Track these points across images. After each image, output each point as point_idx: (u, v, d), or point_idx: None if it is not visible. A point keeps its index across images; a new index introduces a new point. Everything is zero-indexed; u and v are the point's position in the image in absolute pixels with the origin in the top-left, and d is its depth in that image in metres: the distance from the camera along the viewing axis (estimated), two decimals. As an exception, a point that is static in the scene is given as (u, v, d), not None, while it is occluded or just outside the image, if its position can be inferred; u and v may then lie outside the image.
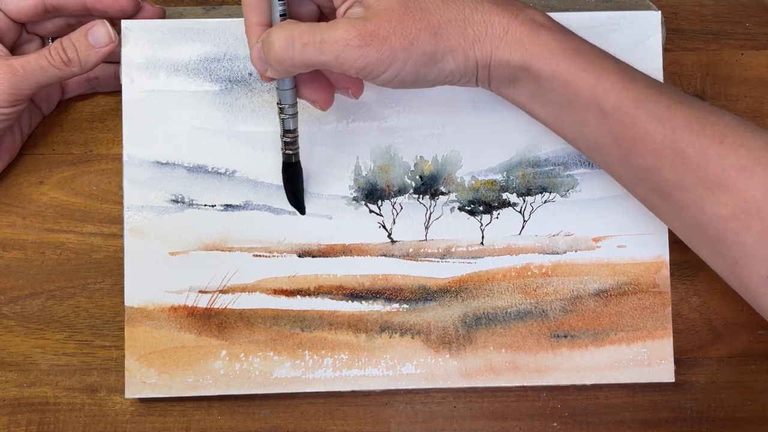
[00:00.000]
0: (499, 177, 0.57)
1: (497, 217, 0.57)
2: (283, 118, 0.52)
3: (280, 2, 0.48)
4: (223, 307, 0.56)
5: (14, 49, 0.57)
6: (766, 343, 0.60)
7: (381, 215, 0.57)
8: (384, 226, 0.57)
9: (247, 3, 0.48)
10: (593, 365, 0.56)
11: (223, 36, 0.56)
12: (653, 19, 0.57)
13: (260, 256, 0.56)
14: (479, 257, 0.57)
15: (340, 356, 0.56)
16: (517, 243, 0.57)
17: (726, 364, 0.59)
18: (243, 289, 0.56)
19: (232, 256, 0.56)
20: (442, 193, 0.57)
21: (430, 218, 0.57)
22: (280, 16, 0.48)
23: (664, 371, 0.56)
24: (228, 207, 0.56)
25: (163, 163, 0.56)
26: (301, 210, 0.56)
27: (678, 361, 0.57)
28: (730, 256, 0.46)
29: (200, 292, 0.56)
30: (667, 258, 0.57)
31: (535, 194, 0.57)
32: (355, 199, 0.57)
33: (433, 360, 0.56)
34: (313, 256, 0.57)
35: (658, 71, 0.56)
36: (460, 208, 0.57)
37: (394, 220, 0.57)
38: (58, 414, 0.58)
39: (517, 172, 0.57)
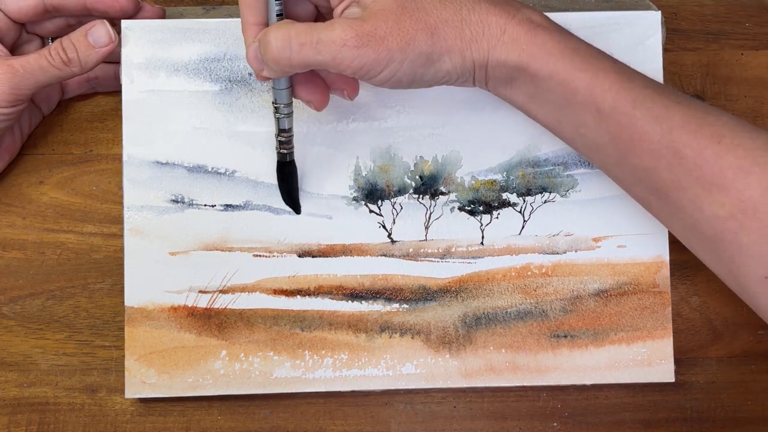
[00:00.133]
0: (499, 177, 0.57)
1: (497, 217, 0.57)
2: (278, 118, 0.53)
3: (277, 2, 0.48)
4: (223, 307, 0.56)
5: (14, 49, 0.57)
6: (766, 343, 0.59)
7: (381, 215, 0.57)
8: (384, 226, 0.57)
9: (243, 2, 0.48)
10: (593, 365, 0.56)
11: (223, 36, 0.56)
12: (653, 19, 0.57)
13: (260, 256, 0.56)
14: (479, 257, 0.57)
15: (340, 356, 0.56)
16: (517, 243, 0.57)
17: (726, 364, 0.59)
18: (243, 289, 0.56)
19: (232, 256, 0.56)
20: (442, 193, 0.57)
21: (430, 218, 0.57)
22: (277, 15, 0.48)
23: (664, 371, 0.56)
24: (228, 207, 0.56)
25: (163, 163, 0.56)
26: (296, 209, 0.56)
27: (678, 361, 0.57)
28: (727, 256, 0.46)
29: (200, 292, 0.56)
30: (667, 258, 0.57)
31: (535, 194, 0.57)
32: (355, 199, 0.57)
33: (433, 360, 0.56)
34: (313, 256, 0.57)
35: (658, 71, 0.56)
36: (460, 208, 0.57)
37: (394, 220, 0.57)
38: (58, 414, 0.58)
39: (517, 172, 0.57)
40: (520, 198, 0.57)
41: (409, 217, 0.57)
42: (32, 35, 0.58)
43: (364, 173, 0.57)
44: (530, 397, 0.59)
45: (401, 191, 0.57)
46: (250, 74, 0.56)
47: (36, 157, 0.60)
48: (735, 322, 0.59)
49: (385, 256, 0.57)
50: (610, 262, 0.57)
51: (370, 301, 0.57)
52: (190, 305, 0.56)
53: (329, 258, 0.57)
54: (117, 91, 0.58)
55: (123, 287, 0.56)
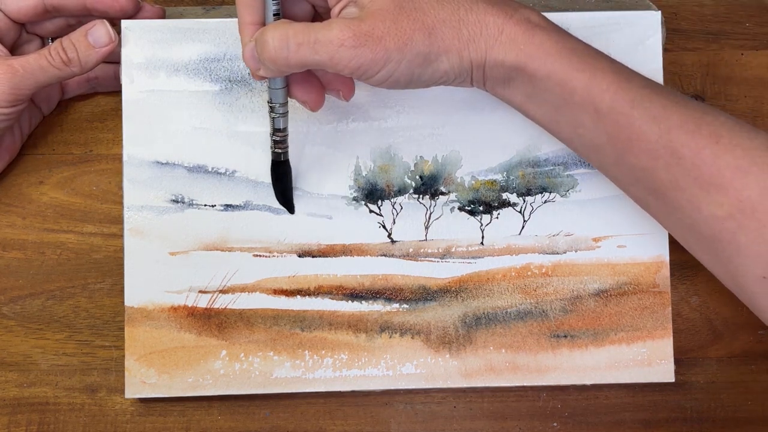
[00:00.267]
0: (499, 177, 0.57)
1: (497, 217, 0.57)
2: (273, 117, 0.53)
3: (274, 1, 0.48)
4: (223, 307, 0.56)
5: (14, 49, 0.57)
6: (766, 343, 0.59)
7: (381, 215, 0.57)
8: (384, 226, 0.57)
9: (240, 1, 0.49)
10: (593, 365, 0.56)
11: (223, 36, 0.56)
12: (653, 19, 0.57)
13: (260, 256, 0.56)
14: (479, 257, 0.57)
15: (340, 356, 0.56)
16: (517, 243, 0.57)
17: (726, 364, 0.59)
18: (243, 289, 0.56)
19: (232, 256, 0.56)
20: (442, 193, 0.57)
21: (430, 218, 0.57)
22: (274, 15, 0.49)
23: (664, 371, 0.56)
24: (228, 207, 0.56)
25: (163, 163, 0.56)
26: (290, 209, 0.56)
27: (678, 361, 0.57)
28: (725, 257, 0.45)
29: (200, 292, 0.56)
30: (667, 258, 0.57)
31: (535, 194, 0.57)
32: (355, 199, 0.57)
33: (433, 360, 0.56)
34: (313, 256, 0.57)
35: (658, 71, 0.56)
36: (460, 208, 0.57)
37: (394, 220, 0.57)
38: (58, 414, 0.58)
39: (517, 172, 0.57)
40: (520, 198, 0.57)
41: (409, 217, 0.57)
42: (32, 35, 0.58)
43: (364, 173, 0.57)
44: (530, 397, 0.59)
45: (401, 191, 0.57)
46: (250, 74, 0.56)
47: (36, 157, 0.60)
48: (735, 322, 0.59)
49: (385, 256, 0.57)
50: (610, 262, 0.57)
51: (370, 301, 0.57)
52: (190, 305, 0.56)
53: (329, 258, 0.57)
54: (117, 91, 0.58)
55: (123, 287, 0.56)
